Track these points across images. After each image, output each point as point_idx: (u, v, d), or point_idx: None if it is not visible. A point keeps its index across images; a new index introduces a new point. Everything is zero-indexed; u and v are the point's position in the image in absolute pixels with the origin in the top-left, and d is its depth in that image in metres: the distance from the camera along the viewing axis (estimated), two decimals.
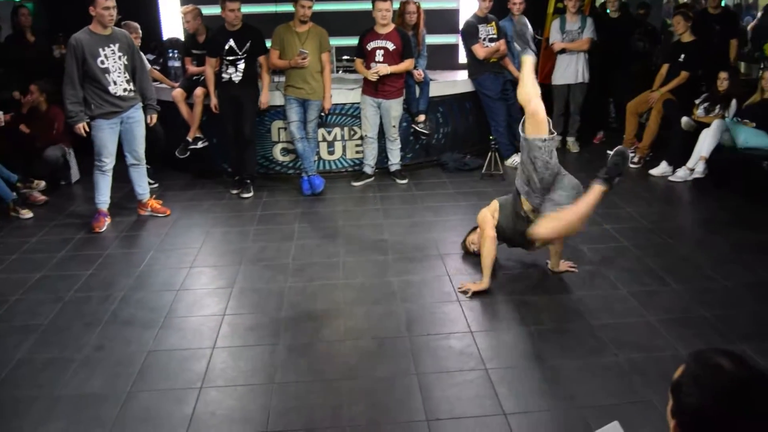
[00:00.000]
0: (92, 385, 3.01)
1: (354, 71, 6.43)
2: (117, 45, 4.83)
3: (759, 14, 8.40)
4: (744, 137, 5.54)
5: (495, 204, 4.04)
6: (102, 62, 4.77)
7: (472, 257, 4.31)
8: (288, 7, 5.91)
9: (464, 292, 3.86)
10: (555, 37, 6.97)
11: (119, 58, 4.85)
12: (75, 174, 6.35)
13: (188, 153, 6.15)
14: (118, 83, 4.87)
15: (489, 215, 4.00)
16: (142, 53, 5.41)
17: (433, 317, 3.61)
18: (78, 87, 4.76)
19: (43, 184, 5.93)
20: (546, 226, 3.32)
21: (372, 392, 2.92)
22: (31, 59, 6.72)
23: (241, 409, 2.84)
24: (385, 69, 5.83)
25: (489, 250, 3.91)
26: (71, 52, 4.69)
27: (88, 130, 4.86)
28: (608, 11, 7.54)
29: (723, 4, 8.45)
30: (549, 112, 7.42)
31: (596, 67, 7.05)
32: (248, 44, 5.61)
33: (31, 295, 3.98)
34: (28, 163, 6.03)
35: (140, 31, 6.07)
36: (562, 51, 6.93)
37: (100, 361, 3.22)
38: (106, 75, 4.80)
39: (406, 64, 5.94)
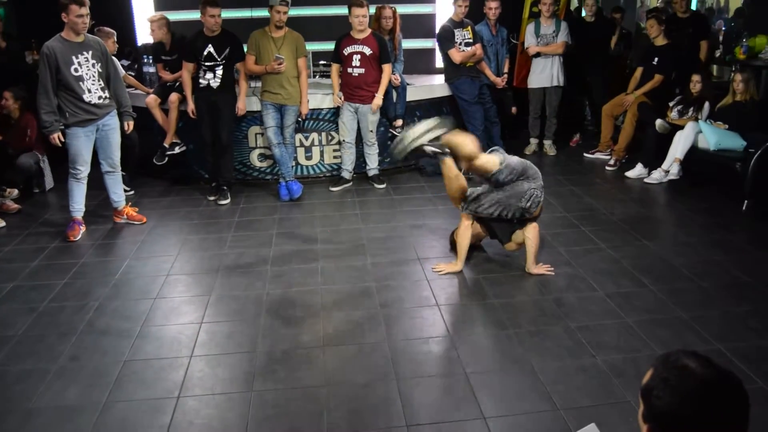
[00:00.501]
0: (68, 397, 2.96)
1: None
2: (90, 52, 4.77)
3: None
4: (717, 139, 5.62)
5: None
6: (76, 70, 4.70)
7: (453, 259, 4.33)
8: (263, 12, 5.89)
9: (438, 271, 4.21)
10: (530, 41, 7.03)
11: (93, 65, 4.79)
12: (49, 182, 6.26)
13: (166, 159, 6.09)
14: (93, 91, 4.81)
15: None
16: (116, 59, 5.35)
17: (413, 322, 3.61)
18: (52, 96, 4.68)
19: (16, 192, 5.83)
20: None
21: (351, 398, 2.91)
22: (3, 65, 6.62)
23: (219, 417, 2.81)
24: (378, 101, 5.92)
25: (463, 236, 4.20)
26: (44, 61, 4.61)
27: (63, 140, 4.80)
28: (584, 15, 7.62)
29: (694, 8, 8.58)
30: (525, 114, 7.48)
31: (571, 70, 7.12)
32: (227, 50, 5.59)
33: (3, 305, 3.90)
34: (1, 171, 5.93)
35: (115, 37, 6.01)
36: (538, 55, 7.00)
37: (75, 371, 3.17)
38: (80, 83, 4.74)
39: (386, 76, 5.94)
